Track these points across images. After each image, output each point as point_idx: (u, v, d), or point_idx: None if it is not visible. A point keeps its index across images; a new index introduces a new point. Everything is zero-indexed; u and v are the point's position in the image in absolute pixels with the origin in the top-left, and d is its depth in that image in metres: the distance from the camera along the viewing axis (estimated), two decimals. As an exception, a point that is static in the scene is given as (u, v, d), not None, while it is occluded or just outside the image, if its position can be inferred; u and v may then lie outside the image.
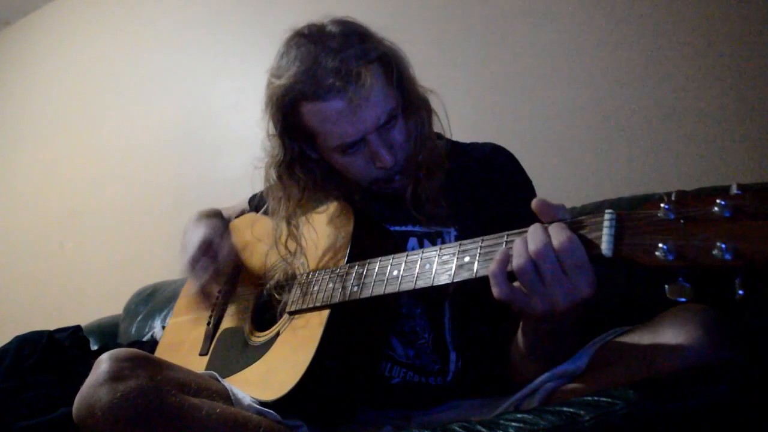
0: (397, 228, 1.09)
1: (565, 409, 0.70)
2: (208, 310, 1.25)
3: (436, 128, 1.09)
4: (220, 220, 1.27)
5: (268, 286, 1.10)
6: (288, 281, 1.07)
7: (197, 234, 1.18)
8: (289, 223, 1.06)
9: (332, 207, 1.08)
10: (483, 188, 1.09)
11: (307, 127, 1.00)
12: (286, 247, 1.06)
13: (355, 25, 0.99)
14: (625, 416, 0.66)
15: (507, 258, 0.72)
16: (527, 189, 1.11)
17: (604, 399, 0.69)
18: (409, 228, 1.08)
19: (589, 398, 0.70)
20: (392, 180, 1.04)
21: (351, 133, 0.97)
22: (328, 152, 1.03)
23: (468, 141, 1.19)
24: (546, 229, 0.70)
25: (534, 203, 0.73)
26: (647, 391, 0.68)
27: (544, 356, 0.86)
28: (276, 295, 1.07)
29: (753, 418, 0.66)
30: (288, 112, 0.99)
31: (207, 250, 1.14)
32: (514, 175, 1.12)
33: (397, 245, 1.04)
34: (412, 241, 1.07)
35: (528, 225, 0.73)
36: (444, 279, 0.80)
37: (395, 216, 1.09)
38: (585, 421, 0.67)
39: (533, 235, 0.70)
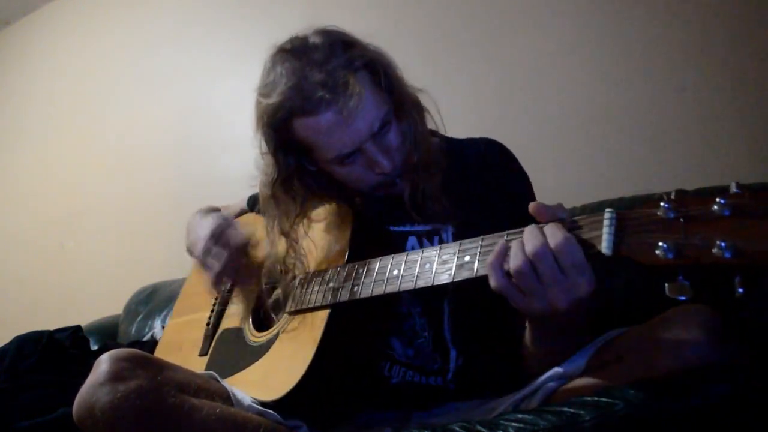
0: (397, 228, 1.09)
1: (565, 409, 0.70)
2: (209, 309, 1.25)
3: (430, 125, 1.08)
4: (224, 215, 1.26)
5: (268, 286, 1.10)
6: (288, 281, 1.07)
7: (207, 225, 1.17)
8: (288, 237, 1.05)
9: (331, 209, 1.08)
10: (478, 183, 1.09)
11: (301, 141, 0.99)
12: (284, 263, 1.06)
13: (339, 34, 0.98)
14: (625, 416, 0.66)
15: (505, 251, 0.73)
16: (523, 181, 1.11)
17: (604, 399, 0.69)
18: (407, 227, 1.08)
19: (589, 398, 0.70)
20: (394, 184, 1.04)
21: (347, 144, 0.96)
22: (325, 164, 1.02)
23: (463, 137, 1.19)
24: (542, 230, 0.71)
25: (531, 207, 0.73)
26: (647, 391, 0.68)
27: (555, 351, 0.86)
28: (276, 295, 1.07)
29: (753, 418, 0.66)
30: (280, 128, 0.98)
31: (219, 239, 1.13)
32: (510, 168, 1.12)
33: (396, 246, 1.04)
34: (412, 240, 1.07)
35: (525, 217, 0.74)
36: (444, 278, 0.80)
37: (395, 216, 1.09)
38: (585, 421, 0.67)
39: (529, 236, 0.71)
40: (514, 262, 0.71)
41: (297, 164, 1.05)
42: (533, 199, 1.11)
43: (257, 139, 1.03)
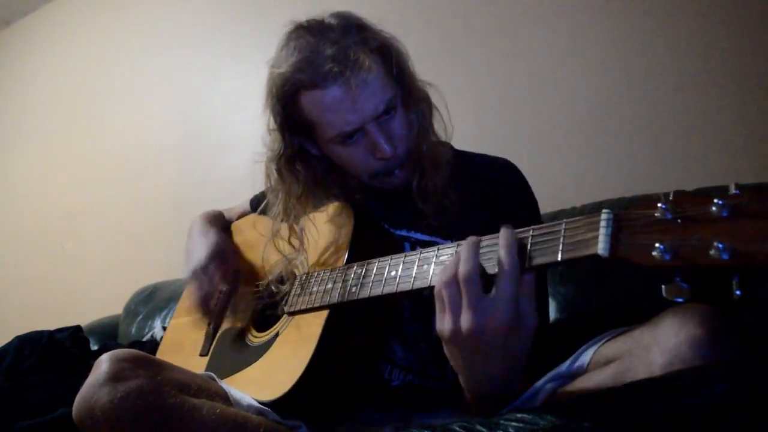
0: (395, 232, 1.08)
1: (565, 409, 0.69)
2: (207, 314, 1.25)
3: (437, 123, 1.08)
4: (225, 234, 1.27)
5: (267, 287, 1.10)
6: (287, 282, 1.07)
7: (204, 246, 1.18)
8: (289, 218, 1.06)
9: (332, 207, 1.08)
10: (486, 202, 1.08)
11: (306, 118, 0.99)
12: (289, 243, 1.06)
13: (355, 18, 0.99)
14: (626, 416, 0.66)
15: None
16: (532, 210, 1.10)
17: (604, 399, 0.69)
18: (404, 233, 1.08)
19: (589, 398, 0.70)
20: (392, 174, 1.04)
21: (350, 121, 0.96)
22: (327, 144, 1.02)
23: (470, 146, 1.18)
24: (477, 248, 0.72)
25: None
26: (647, 391, 0.68)
27: (476, 390, 0.82)
28: (275, 296, 1.07)
29: (753, 418, 0.66)
30: (288, 102, 0.99)
31: (207, 268, 1.15)
32: (521, 195, 1.11)
33: (396, 246, 1.04)
34: (407, 247, 1.06)
35: None
36: None
37: (394, 219, 1.08)
38: (585, 421, 0.67)
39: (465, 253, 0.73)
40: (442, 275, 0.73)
41: (300, 146, 1.05)
42: None
43: (265, 115, 1.04)
